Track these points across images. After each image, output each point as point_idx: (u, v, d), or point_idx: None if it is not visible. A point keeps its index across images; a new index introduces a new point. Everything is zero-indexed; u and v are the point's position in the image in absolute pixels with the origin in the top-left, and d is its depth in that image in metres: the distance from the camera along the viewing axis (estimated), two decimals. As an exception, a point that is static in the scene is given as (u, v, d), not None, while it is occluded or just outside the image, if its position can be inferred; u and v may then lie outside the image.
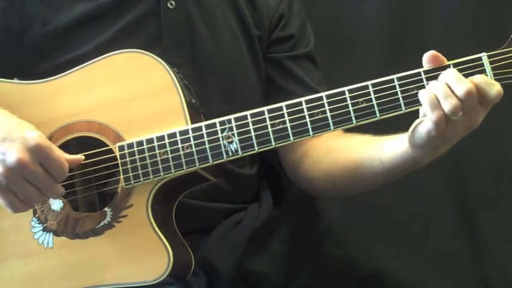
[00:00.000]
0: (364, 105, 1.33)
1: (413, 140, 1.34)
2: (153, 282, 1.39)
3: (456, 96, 1.25)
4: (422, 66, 1.32)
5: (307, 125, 1.35)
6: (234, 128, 1.38)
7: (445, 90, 1.26)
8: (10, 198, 1.35)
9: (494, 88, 1.26)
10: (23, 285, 1.44)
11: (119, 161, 1.41)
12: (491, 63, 1.29)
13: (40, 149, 1.32)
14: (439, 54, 1.30)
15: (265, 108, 1.37)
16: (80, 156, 1.39)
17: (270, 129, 1.36)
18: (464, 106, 1.26)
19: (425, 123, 1.29)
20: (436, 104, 1.26)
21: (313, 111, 1.35)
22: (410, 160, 1.39)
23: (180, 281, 1.45)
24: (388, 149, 1.43)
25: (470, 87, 1.25)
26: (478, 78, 1.26)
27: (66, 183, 1.39)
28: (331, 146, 1.59)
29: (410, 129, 1.34)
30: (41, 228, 1.45)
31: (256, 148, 1.37)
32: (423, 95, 1.28)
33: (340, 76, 1.75)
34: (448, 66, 1.29)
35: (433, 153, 1.36)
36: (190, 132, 1.39)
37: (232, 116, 1.38)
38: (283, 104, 1.36)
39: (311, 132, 1.35)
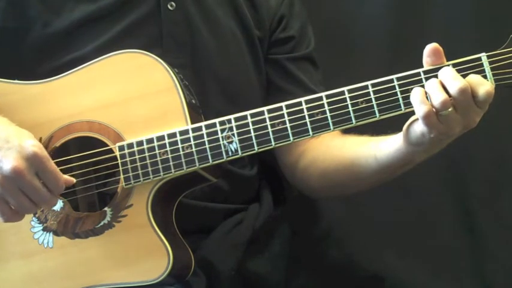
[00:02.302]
0: (363, 105, 1.33)
1: (408, 137, 1.35)
2: (152, 282, 1.39)
3: (449, 93, 1.26)
4: (422, 66, 1.32)
5: (307, 125, 1.35)
6: (234, 128, 1.38)
7: (435, 85, 1.27)
8: (2, 208, 1.33)
9: (483, 87, 1.26)
10: (23, 285, 1.44)
11: (119, 161, 1.42)
12: (490, 63, 1.29)
13: (37, 159, 1.30)
14: (441, 49, 1.30)
15: (265, 108, 1.37)
16: (72, 179, 1.37)
17: (269, 130, 1.36)
18: (458, 104, 1.26)
19: (420, 122, 1.29)
20: (424, 100, 1.27)
21: (313, 111, 1.35)
22: (404, 157, 1.39)
23: (180, 281, 1.45)
24: (383, 146, 1.43)
25: (464, 85, 1.25)
26: (470, 77, 1.27)
27: (66, 183, 1.39)
28: (328, 146, 1.60)
29: (406, 125, 1.35)
30: (41, 228, 1.45)
31: (256, 148, 1.37)
32: (414, 91, 1.28)
33: (340, 76, 1.75)
34: (448, 66, 1.29)
35: (428, 150, 1.37)
36: (190, 132, 1.39)
37: (232, 116, 1.38)
38: (283, 104, 1.37)
39: (311, 133, 1.35)
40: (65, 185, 1.36)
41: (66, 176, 1.36)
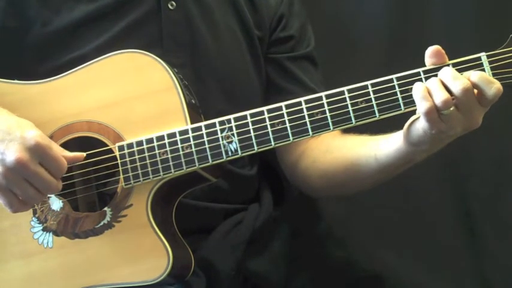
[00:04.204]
0: (363, 105, 1.33)
1: (409, 136, 1.34)
2: (152, 282, 1.39)
3: (451, 92, 1.25)
4: (422, 66, 1.32)
5: (306, 125, 1.35)
6: (234, 128, 1.38)
7: (436, 84, 1.26)
8: (9, 198, 1.34)
9: (494, 86, 1.25)
10: (23, 285, 1.44)
11: (119, 161, 1.42)
12: (490, 62, 1.29)
13: (39, 148, 1.31)
14: (443, 51, 1.30)
15: (264, 108, 1.37)
16: (81, 154, 1.39)
17: (269, 129, 1.36)
18: (460, 104, 1.26)
19: (421, 119, 1.29)
20: (426, 96, 1.26)
21: (312, 111, 1.35)
22: (404, 156, 1.39)
23: (180, 281, 1.45)
24: (383, 146, 1.43)
25: (467, 84, 1.25)
26: (477, 76, 1.26)
27: (66, 183, 1.39)
28: (328, 146, 1.60)
29: (406, 125, 1.34)
30: (41, 228, 1.45)
31: (255, 148, 1.37)
32: (415, 87, 1.28)
33: (340, 76, 1.75)
34: (448, 65, 1.29)
35: (428, 150, 1.36)
36: (189, 132, 1.39)
37: (231, 116, 1.38)
38: (282, 104, 1.36)
39: (310, 132, 1.35)
40: (75, 162, 1.37)
41: (73, 154, 1.37)
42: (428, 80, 1.28)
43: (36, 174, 1.32)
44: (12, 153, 1.30)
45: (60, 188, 1.36)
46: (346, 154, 1.55)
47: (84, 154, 1.40)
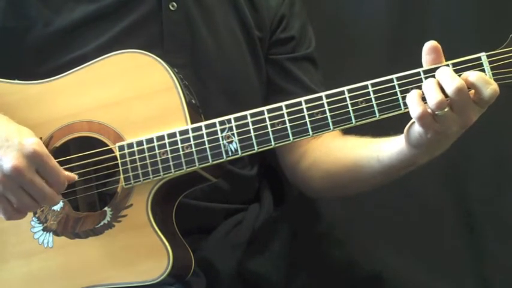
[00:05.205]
0: (363, 105, 1.33)
1: (409, 138, 1.34)
2: (152, 282, 1.39)
3: (446, 93, 1.25)
4: (422, 66, 1.32)
5: (306, 125, 1.35)
6: (234, 128, 1.38)
7: (431, 85, 1.26)
8: (4, 206, 1.34)
9: (490, 87, 1.25)
10: (23, 285, 1.44)
11: (119, 161, 1.42)
12: (490, 63, 1.29)
13: (37, 156, 1.30)
14: (439, 47, 1.30)
15: (264, 108, 1.37)
16: (73, 175, 1.38)
17: (269, 129, 1.36)
18: (454, 103, 1.26)
19: (416, 123, 1.29)
20: (419, 101, 1.26)
21: (312, 111, 1.35)
22: (407, 159, 1.39)
23: (180, 281, 1.45)
24: (386, 148, 1.43)
25: (461, 84, 1.25)
26: (475, 77, 1.26)
27: (66, 183, 1.39)
28: (329, 147, 1.60)
29: (406, 127, 1.35)
30: (41, 228, 1.45)
31: (255, 148, 1.37)
32: (410, 93, 1.28)
33: (340, 76, 1.75)
34: (447, 65, 1.29)
35: (429, 152, 1.36)
36: (190, 132, 1.39)
37: (232, 116, 1.38)
38: (282, 103, 1.36)
39: (310, 132, 1.35)
40: (67, 182, 1.36)
41: (67, 173, 1.36)
42: (426, 81, 1.28)
43: (31, 182, 1.31)
44: (9, 160, 1.30)
45: (58, 201, 1.36)
46: (348, 155, 1.55)
47: (76, 177, 1.39)
